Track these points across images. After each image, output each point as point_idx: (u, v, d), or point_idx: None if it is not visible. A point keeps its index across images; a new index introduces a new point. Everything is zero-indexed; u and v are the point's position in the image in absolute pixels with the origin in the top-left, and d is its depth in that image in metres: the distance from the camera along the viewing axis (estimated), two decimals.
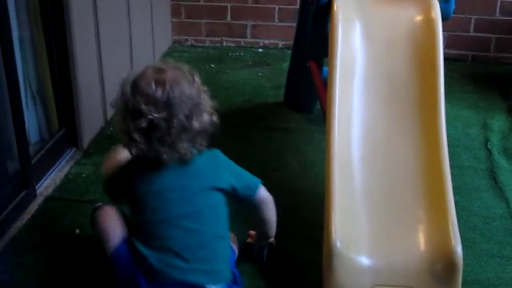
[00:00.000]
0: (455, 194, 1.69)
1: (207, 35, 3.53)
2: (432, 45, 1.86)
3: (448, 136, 1.84)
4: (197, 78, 1.55)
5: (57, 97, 2.25)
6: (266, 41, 3.43)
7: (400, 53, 1.87)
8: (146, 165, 1.53)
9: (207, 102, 1.55)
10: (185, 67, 1.56)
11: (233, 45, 3.46)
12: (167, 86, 1.49)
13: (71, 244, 1.83)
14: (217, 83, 2.86)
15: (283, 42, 3.30)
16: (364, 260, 1.53)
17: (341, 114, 1.73)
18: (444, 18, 1.97)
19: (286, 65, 2.78)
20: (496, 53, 3.43)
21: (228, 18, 3.31)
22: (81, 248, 1.80)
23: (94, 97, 2.42)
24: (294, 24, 2.63)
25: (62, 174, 2.18)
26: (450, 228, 1.53)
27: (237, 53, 3.33)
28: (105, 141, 2.41)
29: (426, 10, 1.93)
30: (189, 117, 1.49)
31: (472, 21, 3.38)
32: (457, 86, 3.06)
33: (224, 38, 3.45)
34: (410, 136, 1.75)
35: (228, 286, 1.57)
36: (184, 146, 1.50)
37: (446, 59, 3.28)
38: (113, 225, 1.59)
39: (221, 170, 1.61)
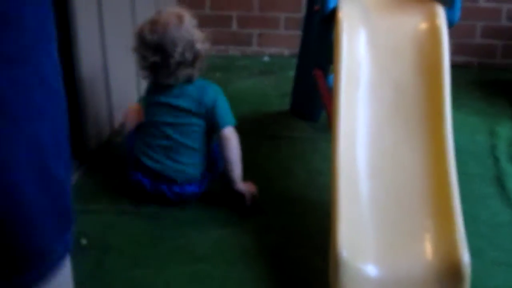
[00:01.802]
0: (462, 201, 1.68)
1: (212, 44, 3.51)
2: (437, 52, 1.85)
3: (455, 143, 1.83)
4: (186, 19, 1.96)
5: None
6: (272, 50, 3.43)
7: (406, 61, 1.87)
8: (155, 86, 2.05)
9: (197, 35, 1.96)
10: (176, 10, 2.00)
11: (239, 53, 3.46)
12: (160, 32, 1.93)
13: (77, 254, 1.82)
14: (223, 92, 2.85)
15: (289, 51, 3.31)
16: (370, 269, 1.52)
17: (347, 122, 1.73)
18: (450, 25, 1.97)
19: (292, 73, 2.78)
20: (502, 60, 3.43)
21: (234, 26, 3.32)
22: (87, 259, 1.80)
23: (100, 106, 2.43)
24: (300, 33, 2.63)
25: None
26: (457, 237, 1.52)
27: (243, 62, 3.34)
28: (111, 150, 2.41)
29: (431, 17, 1.93)
30: (183, 53, 1.93)
31: (478, 28, 3.39)
32: (464, 93, 3.06)
33: (229, 46, 3.46)
34: (416, 143, 1.74)
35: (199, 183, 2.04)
36: (182, 73, 1.96)
37: (452, 66, 3.29)
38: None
39: (205, 98, 1.99)
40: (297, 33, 2.67)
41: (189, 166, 2.03)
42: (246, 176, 2.17)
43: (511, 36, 3.38)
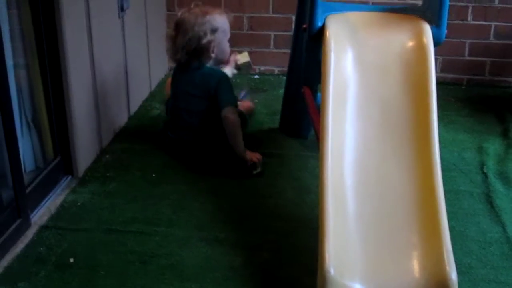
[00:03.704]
0: (451, 218, 1.69)
1: None
2: (424, 70, 1.87)
3: (444, 160, 1.84)
4: (203, 18, 2.39)
5: (52, 125, 2.25)
6: (262, 68, 3.45)
7: (393, 79, 1.88)
8: (178, 68, 2.52)
9: (208, 29, 2.38)
10: (209, 9, 2.43)
11: None
12: (182, 17, 2.43)
13: (65, 273, 1.82)
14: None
15: (279, 69, 3.32)
16: (358, 287, 1.52)
17: (334, 140, 1.74)
18: (436, 43, 1.98)
19: (282, 91, 2.79)
20: (491, 77, 3.45)
21: None
22: (75, 277, 1.79)
23: (89, 124, 2.42)
24: (290, 51, 2.64)
25: (57, 202, 2.17)
26: (445, 254, 1.53)
27: (234, 80, 3.34)
28: (100, 169, 2.41)
29: (418, 36, 1.95)
30: (188, 41, 2.38)
31: (467, 45, 3.41)
32: (452, 110, 3.07)
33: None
34: (403, 161, 1.75)
35: None
36: (196, 59, 2.42)
37: (441, 83, 3.34)
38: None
39: (211, 82, 2.40)
40: (287, 51, 2.68)
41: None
42: (235, 193, 2.18)
43: (499, 54, 3.40)
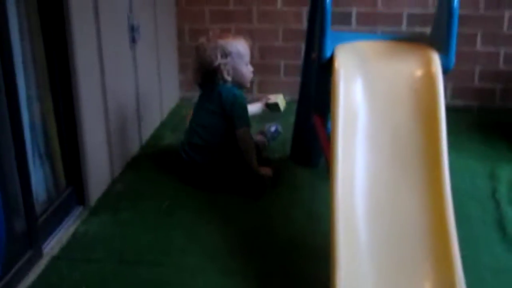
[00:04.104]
0: (463, 246, 1.68)
1: None
2: (433, 98, 1.88)
3: (455, 187, 1.83)
4: (215, 45, 2.53)
5: (64, 156, 2.27)
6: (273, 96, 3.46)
7: (402, 107, 1.89)
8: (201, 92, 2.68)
9: (219, 53, 2.51)
10: (225, 36, 2.59)
11: None
12: (197, 54, 2.58)
13: None
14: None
15: (289, 97, 3.33)
16: None
17: (345, 169, 1.74)
18: (445, 71, 1.99)
19: (292, 119, 2.80)
20: (501, 103, 3.45)
21: None
22: None
23: (101, 154, 2.44)
24: (299, 79, 2.66)
25: (69, 233, 2.18)
26: (457, 282, 1.52)
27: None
28: (112, 198, 2.42)
29: (427, 64, 1.96)
30: (202, 64, 2.55)
31: (477, 72, 3.41)
32: (464, 137, 3.06)
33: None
34: (415, 189, 1.75)
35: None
36: (212, 82, 2.55)
37: (452, 110, 3.31)
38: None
39: (228, 100, 2.51)
40: (297, 79, 2.69)
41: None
42: (247, 221, 2.18)
43: (509, 80, 3.41)
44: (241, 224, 2.24)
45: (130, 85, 2.74)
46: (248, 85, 2.69)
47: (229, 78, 2.54)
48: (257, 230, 2.20)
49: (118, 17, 2.57)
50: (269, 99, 2.90)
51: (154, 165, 2.72)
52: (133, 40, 2.70)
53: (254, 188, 2.46)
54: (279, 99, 2.90)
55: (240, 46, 2.57)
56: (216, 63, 2.51)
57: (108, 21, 2.41)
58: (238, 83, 2.60)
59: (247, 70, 2.61)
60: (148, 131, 3.01)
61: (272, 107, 2.90)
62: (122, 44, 2.63)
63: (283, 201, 2.40)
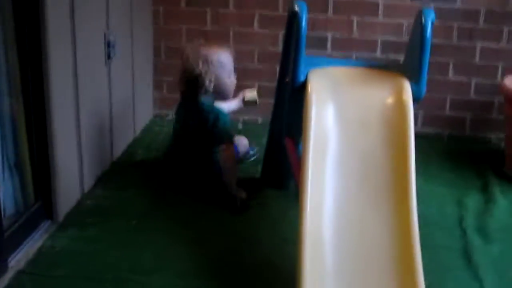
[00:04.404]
0: (428, 273, 1.70)
1: None
2: (403, 126, 1.90)
3: (423, 214, 1.86)
4: (193, 54, 2.54)
5: (34, 169, 2.25)
6: (246, 117, 3.47)
7: (373, 134, 1.91)
8: (182, 99, 2.70)
9: (201, 61, 2.50)
10: (202, 46, 2.59)
11: None
12: (181, 61, 2.58)
13: None
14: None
15: (262, 118, 3.35)
16: None
17: (314, 192, 1.76)
18: (416, 100, 2.02)
19: (265, 140, 2.81)
20: (471, 132, 3.50)
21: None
22: None
23: (71, 169, 2.43)
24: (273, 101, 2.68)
25: (35, 247, 2.16)
26: None
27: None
28: (81, 214, 2.40)
29: (398, 92, 1.99)
30: (183, 73, 2.55)
31: (448, 101, 3.46)
32: (433, 164, 3.10)
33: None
34: (382, 215, 1.77)
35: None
36: (194, 90, 2.54)
37: (423, 137, 3.38)
38: None
39: (209, 118, 2.52)
40: (271, 101, 2.71)
41: None
42: (216, 242, 2.18)
43: (480, 109, 3.46)
44: (210, 244, 2.24)
45: (103, 101, 2.74)
46: (231, 96, 2.70)
47: (211, 87, 2.53)
48: (226, 251, 2.20)
49: (94, 33, 2.57)
50: (246, 96, 2.91)
51: (125, 181, 2.71)
52: (108, 56, 2.69)
53: (227, 206, 2.48)
54: (254, 95, 2.91)
55: (223, 56, 2.58)
56: (198, 71, 2.51)
57: (85, 37, 2.42)
58: (220, 94, 2.61)
59: (229, 81, 2.62)
60: (120, 148, 3.00)
61: (248, 104, 2.91)
62: (98, 60, 2.63)
63: (253, 222, 2.41)
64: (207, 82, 2.52)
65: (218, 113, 2.55)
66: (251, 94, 2.91)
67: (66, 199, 2.39)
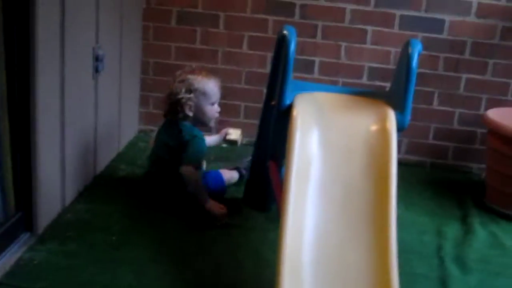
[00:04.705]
0: None
1: None
2: (386, 155, 1.92)
3: (402, 242, 1.87)
4: (179, 78, 2.62)
5: (16, 180, 2.25)
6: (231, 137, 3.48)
7: (356, 161, 1.93)
8: (165, 121, 2.73)
9: (185, 87, 2.58)
10: (187, 70, 2.66)
11: None
12: (170, 84, 2.66)
13: None
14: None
15: (247, 139, 3.36)
16: None
17: (295, 216, 1.76)
18: (400, 129, 2.04)
19: (248, 160, 2.82)
20: (453, 161, 3.54)
21: None
22: None
23: (53, 182, 2.42)
24: (258, 122, 2.69)
25: (13, 259, 2.14)
26: None
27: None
28: (61, 227, 2.39)
29: (382, 121, 2.01)
30: (168, 96, 2.62)
31: (432, 130, 3.50)
32: (415, 192, 3.13)
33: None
34: (362, 243, 1.78)
35: None
36: (175, 114, 2.62)
37: (405, 164, 3.41)
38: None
39: (185, 137, 2.58)
40: (256, 122, 2.73)
41: None
42: (196, 262, 2.18)
43: (462, 139, 3.50)
44: (188, 264, 2.23)
45: (89, 114, 2.74)
46: (211, 124, 2.73)
47: (190, 114, 2.60)
48: (204, 271, 2.20)
49: (83, 46, 2.58)
50: (228, 134, 2.96)
51: (106, 196, 2.70)
52: (96, 70, 2.70)
53: (204, 223, 2.52)
54: (237, 135, 2.97)
55: (208, 86, 2.62)
56: (179, 96, 2.57)
57: (73, 50, 2.42)
58: (199, 121, 2.65)
59: (210, 110, 2.64)
60: (103, 162, 3.00)
61: (230, 143, 2.97)
62: (85, 73, 2.63)
63: (232, 243, 2.41)
64: (186, 109, 2.59)
65: (195, 135, 2.60)
66: (234, 134, 2.97)
67: (46, 211, 2.38)
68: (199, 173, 2.62)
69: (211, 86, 2.63)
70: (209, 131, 2.97)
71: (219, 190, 2.75)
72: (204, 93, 2.60)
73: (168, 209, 2.59)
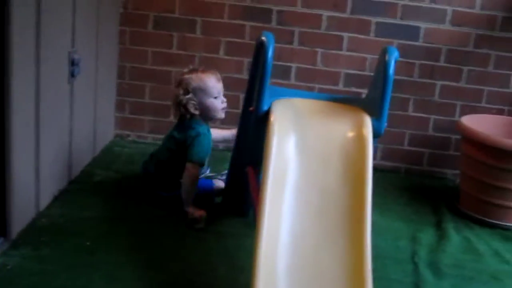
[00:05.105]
0: None
1: (149, 132, 3.58)
2: (362, 161, 1.93)
3: (378, 248, 1.88)
4: (182, 81, 2.69)
5: None
6: None
7: (332, 167, 1.94)
8: None
9: (183, 88, 2.67)
10: (185, 71, 2.74)
11: None
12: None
13: None
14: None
15: (224, 144, 3.36)
16: None
17: (270, 221, 1.77)
18: (376, 135, 2.05)
19: (226, 166, 2.82)
20: (428, 167, 3.57)
21: (171, 116, 3.36)
22: None
23: (27, 186, 2.40)
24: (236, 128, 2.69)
25: None
26: None
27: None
28: (34, 232, 2.37)
29: (359, 127, 2.02)
30: (176, 100, 2.69)
31: (407, 136, 3.53)
32: (390, 198, 3.15)
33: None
34: (337, 248, 1.78)
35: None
36: (181, 114, 2.72)
37: (381, 170, 3.43)
38: None
39: (190, 136, 2.65)
40: (234, 127, 2.73)
41: None
42: (170, 267, 2.17)
43: (437, 145, 3.53)
44: (163, 269, 2.22)
45: (65, 119, 2.72)
46: (220, 116, 2.77)
47: (196, 112, 2.68)
48: (179, 276, 2.19)
49: (59, 51, 2.56)
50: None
51: (81, 201, 2.68)
52: (72, 75, 2.68)
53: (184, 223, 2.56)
54: None
55: (204, 82, 2.68)
56: (179, 99, 2.67)
57: (49, 54, 2.40)
58: (207, 116, 2.73)
59: (213, 103, 2.70)
60: (79, 167, 2.98)
61: None
62: (61, 77, 2.61)
63: (208, 248, 2.40)
64: (191, 109, 2.67)
65: (201, 133, 2.66)
66: None
67: (20, 216, 2.35)
68: (199, 172, 2.66)
69: (207, 82, 2.68)
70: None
71: (207, 196, 2.78)
72: (202, 90, 2.67)
73: (153, 210, 2.64)
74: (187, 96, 2.66)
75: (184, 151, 2.65)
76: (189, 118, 2.69)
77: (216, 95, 2.70)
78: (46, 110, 2.43)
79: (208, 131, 2.72)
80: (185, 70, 2.75)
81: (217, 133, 2.95)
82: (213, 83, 2.70)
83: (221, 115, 2.78)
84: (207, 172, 2.94)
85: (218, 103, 2.72)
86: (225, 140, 3.11)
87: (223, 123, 3.33)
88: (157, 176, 2.74)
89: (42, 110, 2.39)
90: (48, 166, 2.55)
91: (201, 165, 2.65)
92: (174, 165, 2.68)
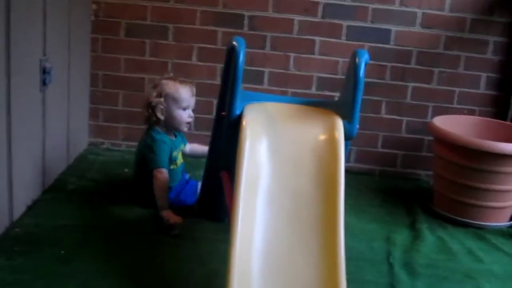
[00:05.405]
0: None
1: (123, 139, 3.57)
2: (334, 163, 1.94)
3: (352, 249, 1.89)
4: (153, 83, 2.80)
5: None
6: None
7: (305, 171, 1.95)
8: None
9: (155, 92, 2.74)
10: (162, 77, 2.83)
11: None
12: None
13: None
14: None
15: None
16: None
17: (244, 226, 1.77)
18: (348, 138, 2.07)
19: (200, 172, 2.82)
20: (402, 169, 3.60)
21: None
22: None
23: (0, 196, 2.38)
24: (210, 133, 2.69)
25: None
26: None
27: None
28: (8, 242, 2.35)
29: (331, 130, 2.03)
30: (146, 102, 2.76)
31: (380, 138, 3.56)
32: (364, 200, 3.17)
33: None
34: (311, 251, 1.79)
35: None
36: (149, 117, 2.77)
37: (355, 173, 3.45)
38: None
39: (147, 145, 2.73)
40: (208, 133, 2.73)
41: None
42: (144, 275, 2.17)
43: (410, 147, 3.57)
44: (137, 277, 2.21)
45: (37, 128, 2.70)
46: (183, 128, 2.83)
47: (161, 117, 2.74)
48: (153, 284, 2.17)
49: (30, 59, 2.55)
50: None
51: (56, 210, 2.67)
52: (44, 83, 2.67)
53: (159, 230, 2.58)
54: None
55: (178, 91, 2.74)
56: (150, 100, 2.72)
57: (19, 63, 2.39)
58: (171, 126, 2.79)
59: (181, 115, 2.77)
60: (52, 175, 2.96)
61: None
62: (32, 86, 2.60)
63: (183, 254, 2.40)
64: (158, 112, 2.73)
65: (156, 139, 2.72)
66: None
67: None
68: (167, 177, 2.71)
69: (181, 92, 2.74)
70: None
71: (189, 202, 2.82)
72: (174, 98, 2.74)
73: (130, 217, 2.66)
74: (158, 99, 2.72)
75: (145, 161, 2.73)
76: (152, 123, 2.75)
77: (185, 107, 2.77)
78: (17, 119, 2.41)
79: (170, 140, 2.79)
80: (165, 75, 2.83)
81: (197, 147, 3.03)
82: (186, 96, 2.76)
83: (184, 128, 2.84)
84: (187, 178, 2.95)
85: (185, 116, 2.78)
86: (204, 155, 3.06)
87: (195, 128, 3.34)
88: (134, 192, 2.83)
89: (13, 119, 2.38)
90: (21, 176, 2.53)
91: (164, 167, 2.70)
92: (143, 179, 2.74)
